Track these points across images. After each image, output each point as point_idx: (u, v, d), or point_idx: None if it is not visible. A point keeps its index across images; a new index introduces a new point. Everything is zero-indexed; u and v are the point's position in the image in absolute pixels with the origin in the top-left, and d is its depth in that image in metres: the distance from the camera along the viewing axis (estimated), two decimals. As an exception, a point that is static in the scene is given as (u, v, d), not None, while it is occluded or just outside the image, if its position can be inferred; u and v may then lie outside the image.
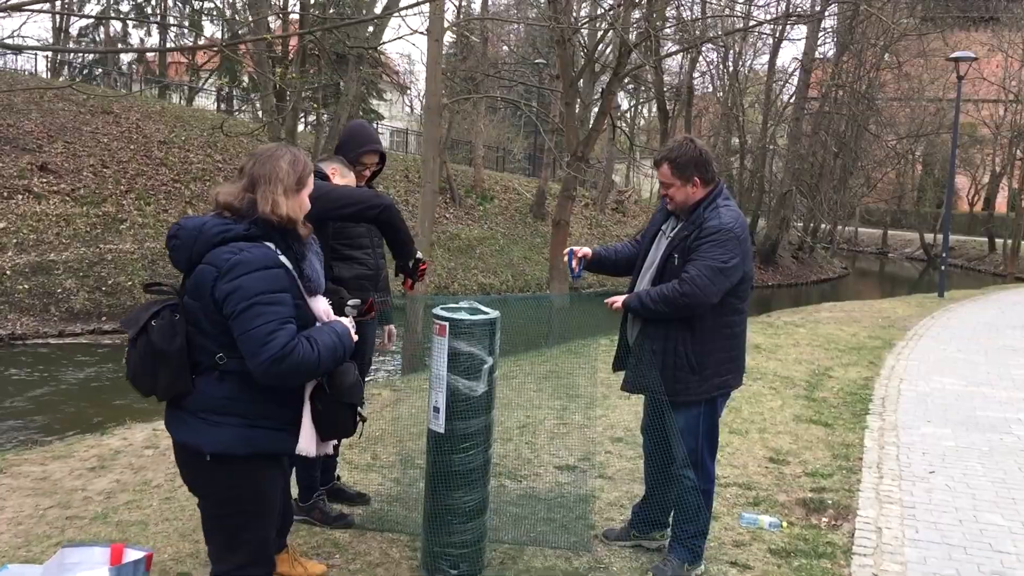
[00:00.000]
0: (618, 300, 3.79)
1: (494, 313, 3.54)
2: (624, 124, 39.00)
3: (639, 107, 46.97)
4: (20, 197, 17.81)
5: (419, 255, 3.89)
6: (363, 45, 18.76)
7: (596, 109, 15.93)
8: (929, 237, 43.58)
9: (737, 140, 40.89)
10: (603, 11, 18.65)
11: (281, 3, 24.36)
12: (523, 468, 5.17)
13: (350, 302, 3.43)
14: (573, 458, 5.36)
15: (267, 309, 2.49)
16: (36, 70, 29.34)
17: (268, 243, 2.61)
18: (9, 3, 9.09)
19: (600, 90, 15.97)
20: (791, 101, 33.09)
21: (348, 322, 2.87)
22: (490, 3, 31.27)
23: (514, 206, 29.73)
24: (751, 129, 45.37)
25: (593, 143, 14.75)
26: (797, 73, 32.01)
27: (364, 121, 4.55)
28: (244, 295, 2.48)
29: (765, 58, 36.00)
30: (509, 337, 3.83)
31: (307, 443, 2.70)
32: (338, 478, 4.59)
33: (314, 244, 2.82)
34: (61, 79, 28.56)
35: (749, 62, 37.50)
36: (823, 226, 38.77)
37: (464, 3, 23.57)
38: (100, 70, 34.86)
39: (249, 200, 2.62)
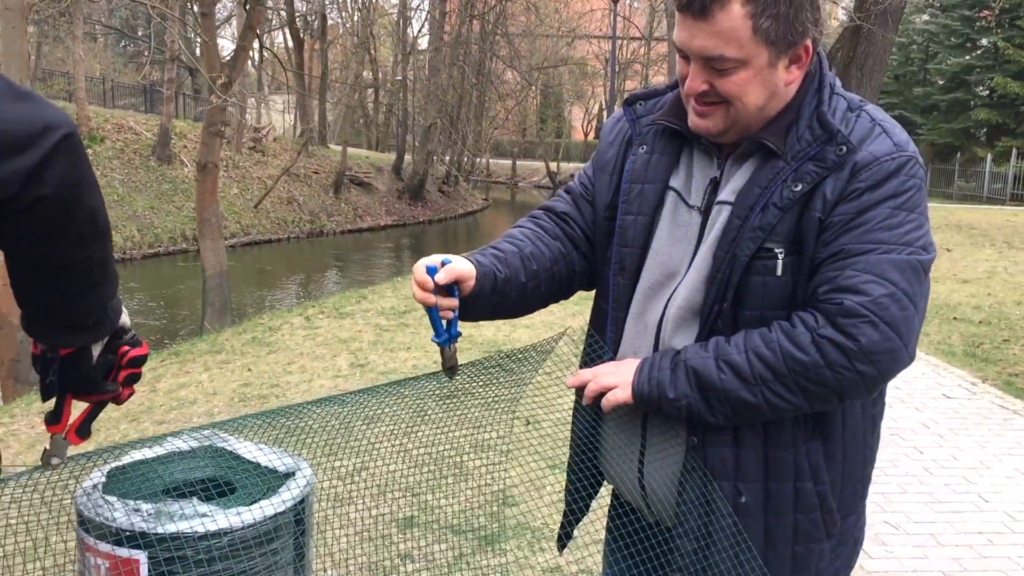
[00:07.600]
0: (608, 382, 1.45)
1: (301, 474, 1.20)
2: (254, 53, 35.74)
3: (264, 36, 43.52)
4: None
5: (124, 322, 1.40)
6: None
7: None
8: (553, 165, 46.25)
9: (369, 74, 39.65)
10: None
11: None
12: None
13: None
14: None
15: None
16: None
17: None
18: None
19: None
20: (422, 31, 32.80)
21: None
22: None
23: (132, 148, 25.52)
24: (384, 63, 44.46)
25: (243, 65, 12.44)
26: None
27: None
28: None
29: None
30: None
31: None
32: None
33: None
34: None
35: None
36: (465, 159, 39.28)
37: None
38: None
39: None
